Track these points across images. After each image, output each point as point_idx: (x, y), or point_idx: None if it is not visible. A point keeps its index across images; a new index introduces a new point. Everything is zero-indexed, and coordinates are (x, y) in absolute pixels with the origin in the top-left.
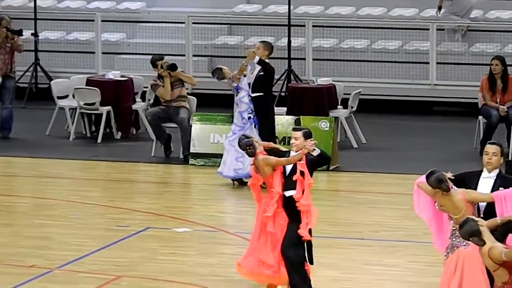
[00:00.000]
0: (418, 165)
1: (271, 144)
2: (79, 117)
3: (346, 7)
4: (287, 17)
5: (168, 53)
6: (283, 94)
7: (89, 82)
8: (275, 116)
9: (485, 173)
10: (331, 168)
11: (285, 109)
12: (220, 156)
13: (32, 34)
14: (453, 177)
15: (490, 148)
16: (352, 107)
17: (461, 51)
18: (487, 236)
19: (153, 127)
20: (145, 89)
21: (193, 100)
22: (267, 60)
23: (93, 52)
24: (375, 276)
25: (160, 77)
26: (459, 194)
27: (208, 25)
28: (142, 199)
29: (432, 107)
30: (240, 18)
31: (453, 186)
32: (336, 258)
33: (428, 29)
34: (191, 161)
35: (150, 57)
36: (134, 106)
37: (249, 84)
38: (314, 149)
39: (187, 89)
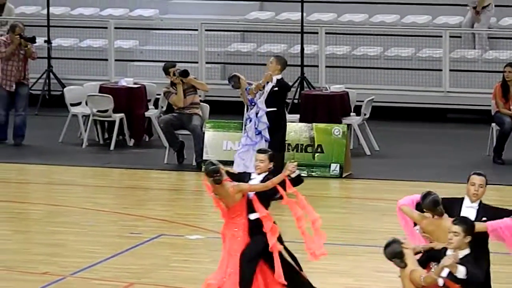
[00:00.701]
0: (431, 172)
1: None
2: (92, 124)
3: (359, 14)
4: (300, 24)
5: (181, 60)
6: (296, 101)
7: (102, 89)
8: (288, 123)
9: (467, 202)
10: (344, 175)
11: (298, 116)
12: (233, 163)
13: (45, 41)
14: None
15: (476, 180)
16: (365, 114)
17: (474, 58)
18: (410, 258)
19: (166, 134)
20: (158, 96)
21: (206, 107)
22: (280, 75)
23: (106, 59)
24: (387, 283)
25: (173, 84)
26: (450, 220)
27: (221, 32)
28: (155, 206)
29: (445, 114)
30: (253, 25)
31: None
32: (348, 265)
33: (441, 36)
34: None
35: (163, 64)
36: (147, 113)
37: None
38: (294, 172)
39: (200, 96)
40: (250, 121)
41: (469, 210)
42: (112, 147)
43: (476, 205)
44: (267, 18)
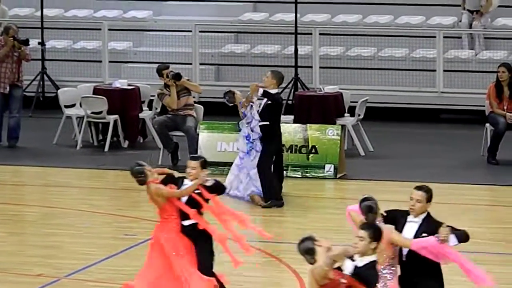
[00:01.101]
0: (425, 173)
1: (166, 170)
2: (86, 126)
3: (353, 15)
4: (294, 25)
5: (175, 61)
6: (290, 102)
7: (96, 91)
8: (282, 124)
9: (410, 217)
10: (338, 176)
11: (292, 117)
12: (227, 164)
13: (39, 43)
14: (384, 214)
15: (414, 194)
16: (359, 115)
17: (468, 58)
18: (320, 256)
19: (160, 135)
20: (152, 98)
21: (200, 108)
22: (276, 90)
23: (100, 61)
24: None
25: (166, 86)
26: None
27: (215, 34)
28: (149, 207)
29: (439, 114)
30: (247, 26)
31: (381, 221)
32: None
33: (435, 37)
34: None
35: (157, 65)
36: (141, 115)
37: (257, 111)
38: (207, 180)
39: (194, 97)
40: (240, 130)
41: (411, 225)
42: (106, 149)
43: (419, 219)
44: (261, 19)
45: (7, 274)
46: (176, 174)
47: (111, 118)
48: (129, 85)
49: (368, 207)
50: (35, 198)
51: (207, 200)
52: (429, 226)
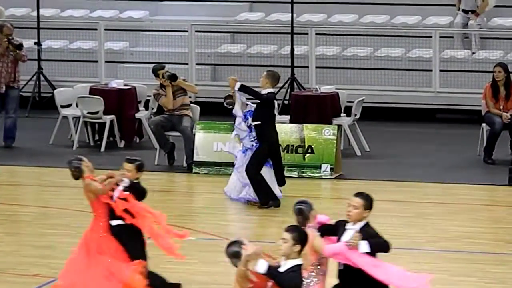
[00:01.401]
0: (421, 173)
1: (111, 173)
2: (83, 126)
3: (349, 15)
4: (290, 25)
5: (171, 61)
6: (286, 102)
7: (93, 91)
8: (279, 124)
9: (349, 224)
10: (334, 176)
11: (288, 117)
12: (223, 164)
13: (35, 43)
14: (333, 223)
15: (351, 200)
16: (355, 115)
17: (464, 58)
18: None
19: (156, 136)
20: (148, 98)
21: (196, 108)
22: (270, 89)
23: (96, 61)
24: None
25: (162, 86)
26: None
27: (211, 34)
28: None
29: (435, 114)
30: (243, 26)
31: (313, 226)
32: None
33: (431, 37)
34: (195, 169)
35: (153, 65)
36: (137, 115)
37: (251, 111)
38: (122, 180)
39: (190, 97)
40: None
41: (349, 232)
42: (102, 149)
43: (357, 227)
44: (257, 19)
45: (3, 274)
46: (113, 174)
47: (108, 118)
48: (125, 85)
49: (297, 210)
50: (31, 198)
51: (124, 200)
52: (366, 235)
